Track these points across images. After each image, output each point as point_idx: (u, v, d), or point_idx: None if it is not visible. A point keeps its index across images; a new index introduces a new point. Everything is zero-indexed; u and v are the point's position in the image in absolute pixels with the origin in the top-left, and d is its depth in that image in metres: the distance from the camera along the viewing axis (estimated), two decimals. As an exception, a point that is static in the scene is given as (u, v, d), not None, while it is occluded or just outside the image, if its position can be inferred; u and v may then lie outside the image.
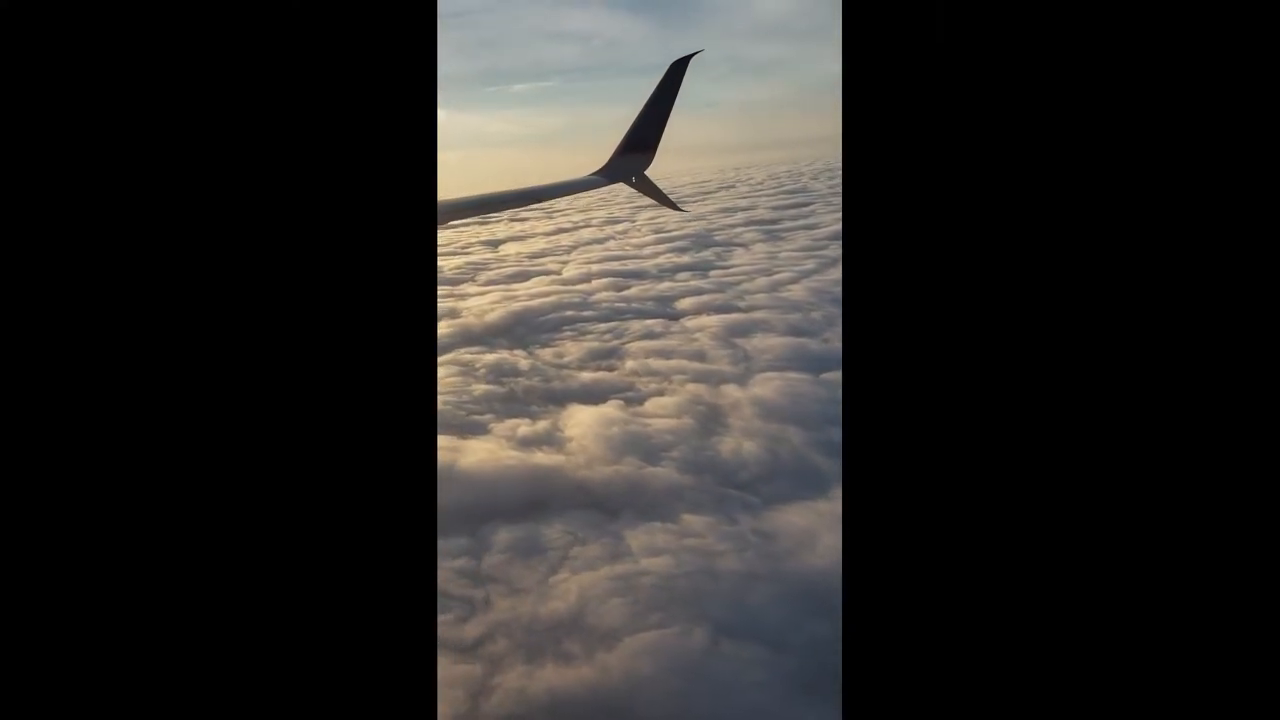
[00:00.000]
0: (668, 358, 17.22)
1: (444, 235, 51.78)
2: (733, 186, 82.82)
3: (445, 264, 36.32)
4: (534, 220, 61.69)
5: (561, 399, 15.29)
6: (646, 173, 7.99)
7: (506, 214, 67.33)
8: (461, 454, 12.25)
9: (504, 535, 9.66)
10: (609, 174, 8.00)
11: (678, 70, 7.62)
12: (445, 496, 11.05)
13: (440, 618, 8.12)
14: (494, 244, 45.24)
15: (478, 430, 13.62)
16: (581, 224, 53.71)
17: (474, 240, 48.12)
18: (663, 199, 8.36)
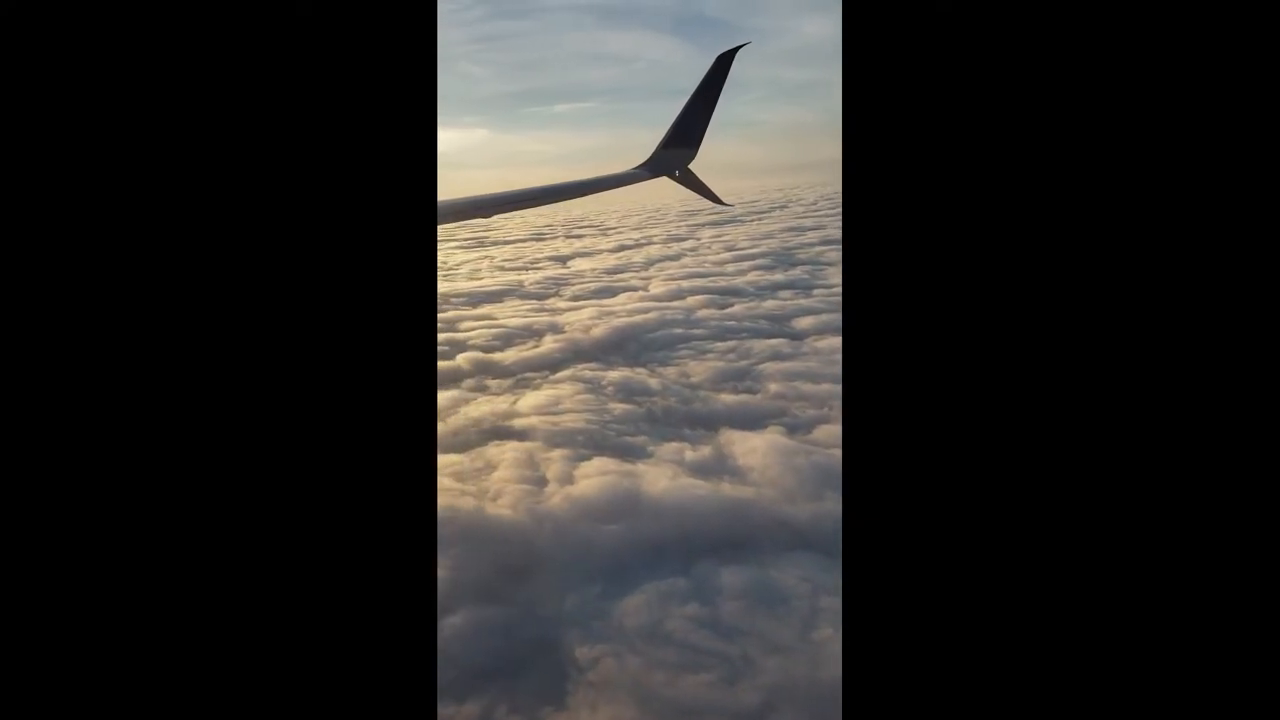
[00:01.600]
0: (815, 381, 16.16)
1: (506, 250, 51.72)
2: (785, 206, 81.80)
3: (524, 279, 35.76)
4: (590, 237, 61.14)
5: (709, 422, 14.29)
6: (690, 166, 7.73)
7: (562, 230, 67.09)
8: (639, 480, 11.27)
9: (728, 578, 8.64)
10: (652, 168, 7.76)
11: (724, 63, 7.32)
12: (640, 527, 10.09)
13: (700, 677, 7.10)
14: (561, 259, 44.62)
15: (638, 454, 12.65)
16: (644, 241, 52.92)
17: (539, 255, 47.61)
18: (707, 193, 8.09)
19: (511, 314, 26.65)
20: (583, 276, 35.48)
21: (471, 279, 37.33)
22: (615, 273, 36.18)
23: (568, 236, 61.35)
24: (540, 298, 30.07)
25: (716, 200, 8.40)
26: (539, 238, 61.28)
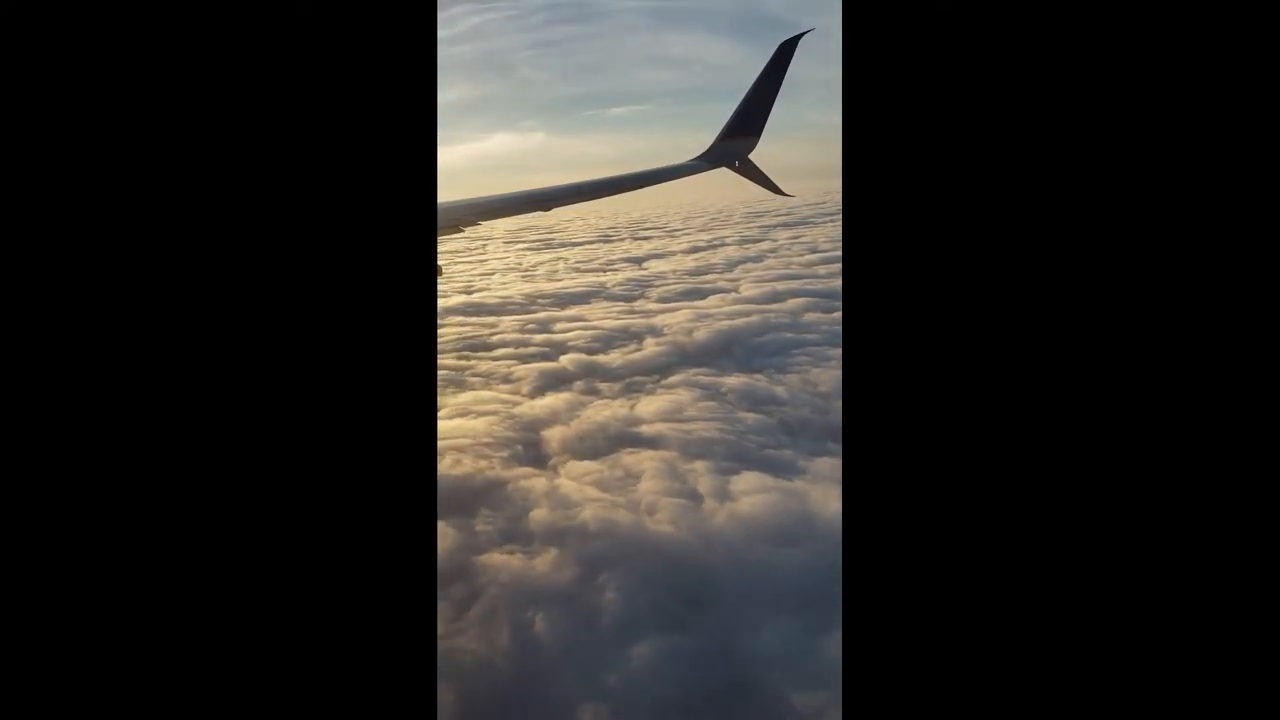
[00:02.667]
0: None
1: (575, 252, 51.34)
2: (854, 209, 79.72)
3: (604, 280, 35.20)
4: (658, 239, 60.38)
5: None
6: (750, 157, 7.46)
7: (626, 232, 66.49)
8: (805, 500, 10.38)
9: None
10: (712, 158, 7.45)
11: (785, 51, 7.01)
12: (824, 553, 9.20)
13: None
14: (636, 261, 43.96)
15: (789, 469, 11.74)
16: (716, 242, 51.96)
17: (612, 257, 47.09)
18: (768, 184, 7.74)
19: (603, 315, 26.04)
20: (664, 278, 34.71)
21: (551, 280, 36.93)
22: (698, 274, 35.32)
23: (635, 238, 60.78)
24: (628, 299, 29.41)
25: (777, 191, 7.91)
26: (606, 240, 60.89)
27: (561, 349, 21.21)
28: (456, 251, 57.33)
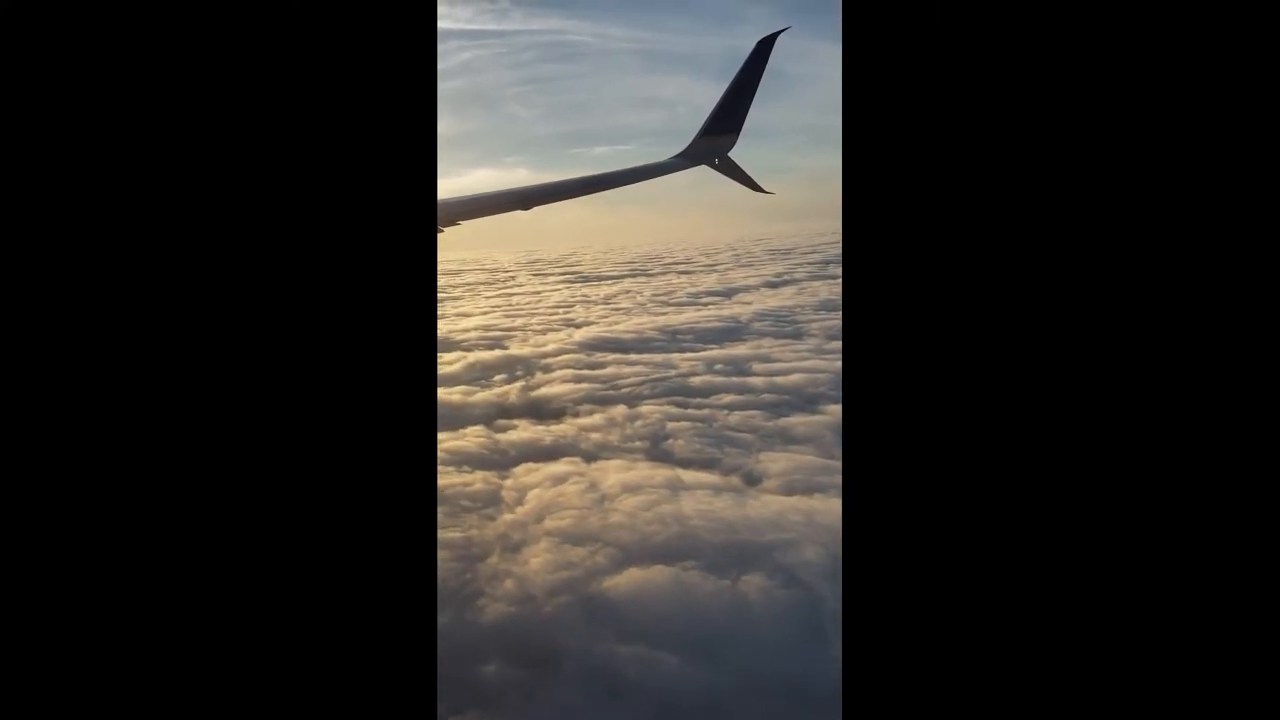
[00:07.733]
0: None
1: (638, 284, 47.27)
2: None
3: (732, 313, 31.17)
4: (700, 274, 56.67)
5: None
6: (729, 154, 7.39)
7: (660, 266, 62.84)
8: None
9: None
10: (691, 157, 7.50)
11: (763, 49, 7.12)
12: None
13: None
14: (723, 295, 40.05)
15: None
16: (785, 275, 48.40)
17: (691, 289, 43.16)
18: (748, 182, 7.62)
19: (793, 356, 21.92)
20: (798, 313, 30.77)
21: (657, 315, 32.72)
22: (833, 309, 31.49)
23: (681, 273, 56.98)
24: (790, 336, 25.41)
25: (758, 188, 7.92)
26: (643, 272, 57.11)
27: (805, 397, 17.04)
28: (489, 284, 53.05)
